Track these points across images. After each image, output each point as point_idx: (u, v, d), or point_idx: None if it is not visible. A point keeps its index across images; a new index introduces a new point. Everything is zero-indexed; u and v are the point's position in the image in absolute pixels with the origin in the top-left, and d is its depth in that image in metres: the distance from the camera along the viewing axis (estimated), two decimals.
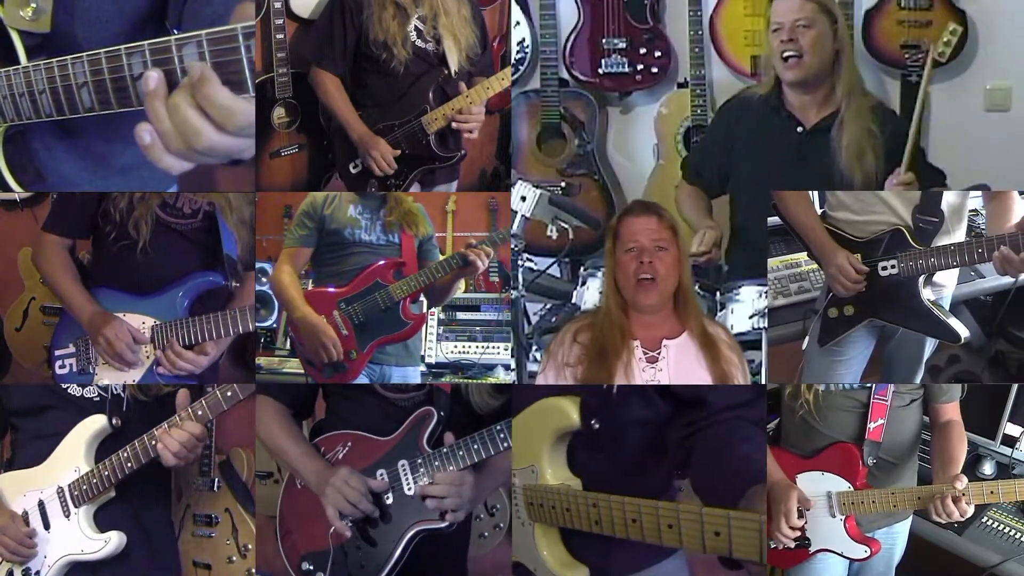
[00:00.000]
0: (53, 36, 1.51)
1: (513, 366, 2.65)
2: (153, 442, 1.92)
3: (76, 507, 1.99)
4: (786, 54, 2.36)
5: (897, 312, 2.19)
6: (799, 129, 2.46)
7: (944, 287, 2.29)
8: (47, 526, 2.01)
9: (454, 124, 2.71)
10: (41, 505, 2.01)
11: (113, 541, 1.99)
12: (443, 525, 1.82)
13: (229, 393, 1.92)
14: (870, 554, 2.21)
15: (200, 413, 1.93)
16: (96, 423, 2.02)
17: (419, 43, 2.70)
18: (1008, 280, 2.57)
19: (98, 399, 2.08)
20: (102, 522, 2.01)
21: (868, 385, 2.22)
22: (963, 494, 2.04)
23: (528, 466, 1.68)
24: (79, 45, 1.42)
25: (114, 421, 2.02)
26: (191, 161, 1.17)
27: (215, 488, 2.60)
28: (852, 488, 2.19)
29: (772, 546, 2.22)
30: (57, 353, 2.27)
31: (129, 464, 1.95)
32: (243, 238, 2.29)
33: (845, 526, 2.20)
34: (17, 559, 1.99)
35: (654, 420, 1.72)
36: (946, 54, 2.87)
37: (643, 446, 1.71)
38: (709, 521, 1.30)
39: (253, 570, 2.51)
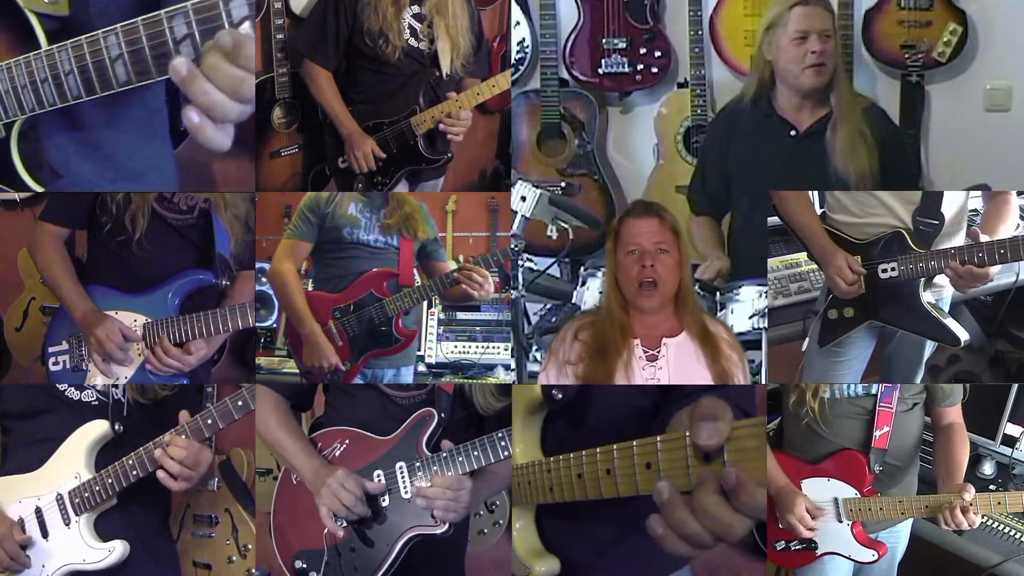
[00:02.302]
0: (72, 20, 1.46)
1: (513, 366, 2.65)
2: (159, 450, 1.87)
3: (77, 515, 1.94)
4: (814, 63, 2.37)
5: (897, 314, 2.19)
6: (792, 133, 2.47)
7: (944, 288, 2.29)
8: (45, 534, 1.95)
9: (441, 127, 2.73)
10: (39, 512, 1.95)
11: (117, 551, 1.93)
12: (439, 531, 1.81)
13: (240, 403, 1.86)
14: (877, 558, 2.21)
15: (210, 422, 1.87)
16: (98, 429, 1.97)
17: (412, 42, 2.71)
18: (1009, 280, 2.58)
19: (96, 403, 2.03)
20: (102, 530, 1.95)
21: (873, 392, 2.22)
22: (971, 504, 2.04)
23: None
24: (96, 28, 1.39)
25: (116, 427, 1.98)
26: (231, 124, 1.17)
27: (215, 488, 2.61)
28: (859, 495, 2.19)
29: (780, 548, 2.23)
30: (50, 350, 2.27)
31: (134, 472, 1.89)
32: (236, 234, 2.28)
33: (852, 531, 2.20)
34: (7, 572, 1.94)
35: (645, 408, 1.68)
36: (946, 54, 2.89)
37: (629, 434, 1.67)
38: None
39: (253, 570, 2.51)
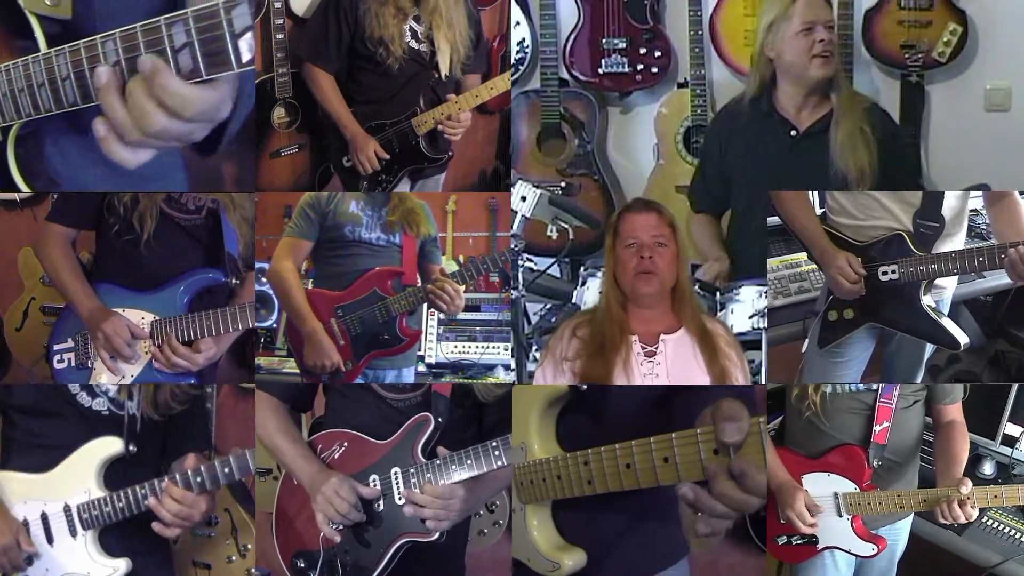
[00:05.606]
0: (75, 23, 1.42)
1: (513, 366, 2.66)
2: (153, 499, 1.86)
3: (84, 529, 1.92)
4: (822, 52, 2.38)
5: (897, 317, 2.19)
6: (792, 133, 2.47)
7: (944, 288, 2.29)
8: (50, 540, 1.93)
9: (440, 128, 2.77)
10: (45, 518, 1.93)
11: (122, 569, 1.92)
12: (431, 538, 1.81)
13: (227, 470, 1.85)
14: (877, 551, 2.22)
15: (199, 480, 1.85)
16: (111, 446, 1.94)
17: (412, 44, 2.72)
18: (1008, 280, 2.57)
19: (107, 413, 2.01)
20: (103, 541, 1.94)
21: (874, 388, 2.22)
22: (968, 498, 2.05)
23: (518, 445, 1.65)
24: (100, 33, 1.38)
25: (131, 448, 1.95)
26: (144, 148, 1.16)
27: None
28: (858, 489, 2.20)
29: (781, 542, 2.23)
30: (56, 348, 2.26)
31: (146, 502, 1.87)
32: (245, 235, 2.29)
33: (852, 525, 2.21)
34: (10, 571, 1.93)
35: (660, 398, 1.70)
36: (946, 54, 2.89)
37: (648, 424, 1.67)
38: (705, 440, 1.24)
39: (253, 570, 2.51)
